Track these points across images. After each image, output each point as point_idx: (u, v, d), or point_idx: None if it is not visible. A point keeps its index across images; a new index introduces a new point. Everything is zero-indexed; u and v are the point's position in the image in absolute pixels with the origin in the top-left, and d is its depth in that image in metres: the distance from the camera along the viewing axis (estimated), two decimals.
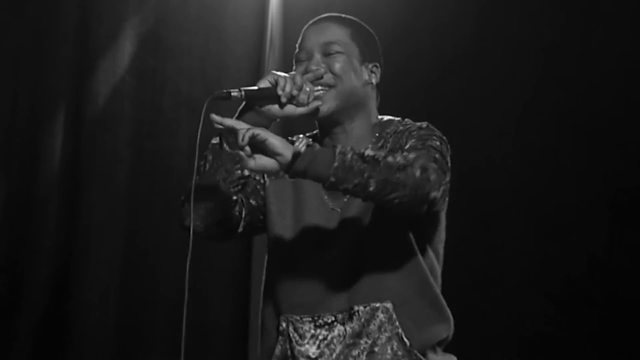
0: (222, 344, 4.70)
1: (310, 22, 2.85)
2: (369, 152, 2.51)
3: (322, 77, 2.73)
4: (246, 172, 2.79)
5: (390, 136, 2.77)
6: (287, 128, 3.16)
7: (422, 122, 2.79)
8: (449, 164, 2.67)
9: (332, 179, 2.49)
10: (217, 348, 4.69)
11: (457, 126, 4.56)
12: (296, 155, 2.48)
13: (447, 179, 2.61)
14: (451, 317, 2.78)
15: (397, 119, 2.84)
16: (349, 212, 2.73)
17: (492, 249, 4.45)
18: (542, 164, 4.49)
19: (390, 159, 2.51)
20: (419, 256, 2.73)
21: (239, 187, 2.80)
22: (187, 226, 2.83)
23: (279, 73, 2.68)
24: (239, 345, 4.70)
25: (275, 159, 2.50)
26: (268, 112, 2.68)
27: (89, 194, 4.58)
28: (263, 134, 2.49)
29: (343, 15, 2.87)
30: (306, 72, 2.74)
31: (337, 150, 2.50)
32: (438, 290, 2.77)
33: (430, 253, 2.77)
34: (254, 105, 2.69)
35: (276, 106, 2.67)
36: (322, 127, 2.82)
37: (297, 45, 2.82)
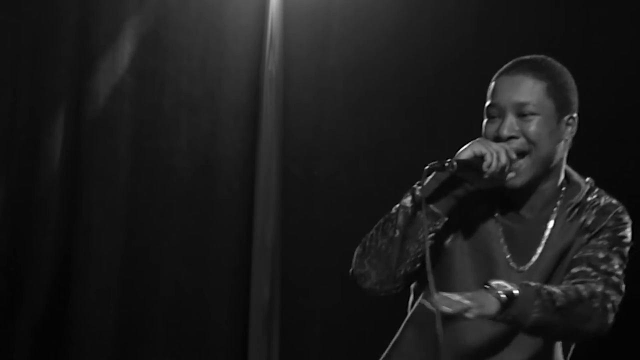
0: (222, 344, 4.69)
1: (502, 70, 2.69)
2: (561, 299, 2.50)
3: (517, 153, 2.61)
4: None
5: (580, 209, 2.69)
6: None
7: (617, 206, 2.74)
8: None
9: (528, 329, 2.50)
10: (217, 348, 4.69)
11: (457, 126, 4.56)
12: (502, 308, 2.45)
13: (622, 296, 2.66)
14: None
15: (584, 183, 2.75)
16: (534, 275, 2.67)
17: None
18: None
19: (579, 308, 2.53)
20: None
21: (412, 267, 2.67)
22: (364, 288, 2.67)
23: (485, 143, 2.58)
24: (239, 345, 4.69)
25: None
26: (468, 186, 2.61)
27: (89, 194, 4.58)
28: (469, 312, 2.41)
29: (539, 61, 2.71)
30: (498, 137, 2.62)
31: (535, 301, 2.47)
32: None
33: None
34: (458, 175, 2.59)
35: (475, 181, 2.59)
36: (512, 191, 2.68)
37: (488, 95, 2.68)
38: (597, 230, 2.66)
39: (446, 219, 2.62)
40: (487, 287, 2.43)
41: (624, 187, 4.42)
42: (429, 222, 2.59)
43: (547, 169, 2.65)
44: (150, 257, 4.65)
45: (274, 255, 4.68)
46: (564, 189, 2.70)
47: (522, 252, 2.67)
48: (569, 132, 2.69)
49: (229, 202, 4.72)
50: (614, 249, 2.64)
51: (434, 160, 2.57)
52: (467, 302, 2.38)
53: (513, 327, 2.54)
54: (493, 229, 2.69)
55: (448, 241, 2.70)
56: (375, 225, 2.68)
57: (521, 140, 2.61)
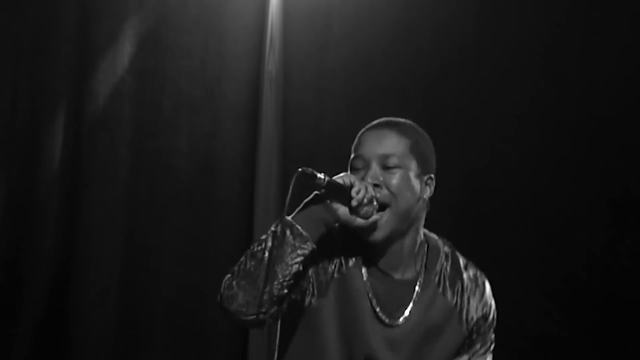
0: (222, 344, 4.70)
1: (369, 126, 2.76)
2: None
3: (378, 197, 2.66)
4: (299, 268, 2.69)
5: (444, 279, 2.76)
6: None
7: (484, 282, 2.87)
8: None
9: None
10: (217, 348, 4.69)
11: (456, 126, 4.56)
12: None
13: None
14: None
15: (440, 242, 2.81)
16: (405, 333, 2.73)
17: (492, 249, 4.44)
18: (542, 163, 4.48)
19: None
20: None
21: (293, 285, 2.70)
22: (230, 311, 2.66)
23: (358, 177, 2.65)
24: (239, 345, 4.69)
25: None
26: (334, 211, 2.63)
27: (89, 194, 4.58)
28: None
29: (402, 122, 2.78)
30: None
31: None
32: None
33: None
34: (326, 198, 2.64)
35: (342, 208, 2.62)
36: (374, 245, 2.72)
37: (353, 149, 2.75)
38: (472, 327, 2.78)
39: (314, 246, 2.64)
40: None
41: (624, 184, 4.43)
42: (297, 243, 2.62)
43: (405, 225, 2.70)
44: (150, 257, 4.65)
45: None
46: (425, 249, 2.77)
47: (391, 309, 2.71)
48: (427, 192, 2.74)
49: (229, 202, 4.72)
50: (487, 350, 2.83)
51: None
52: None
53: None
54: (360, 285, 2.72)
55: (314, 299, 2.73)
56: (245, 252, 2.72)
57: (384, 191, 2.66)
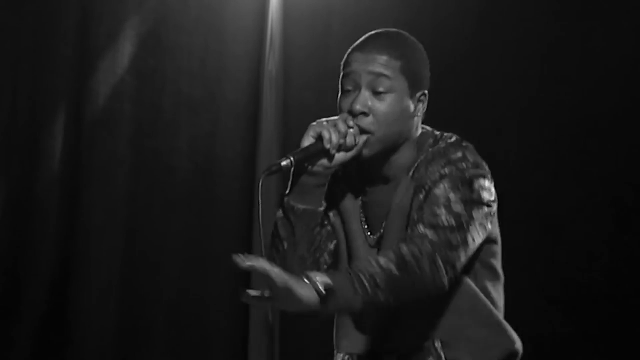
0: (222, 344, 4.70)
1: (358, 43, 2.69)
2: (381, 276, 2.41)
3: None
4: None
5: (419, 163, 2.65)
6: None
7: (457, 149, 2.67)
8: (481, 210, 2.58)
9: (360, 308, 2.44)
10: (217, 348, 4.69)
11: (456, 126, 4.55)
12: (322, 301, 2.41)
13: (462, 253, 2.51)
14: (514, 335, 2.70)
15: (430, 133, 2.73)
16: (385, 245, 2.64)
17: None
18: (543, 163, 4.48)
19: (404, 278, 2.42)
20: (467, 279, 2.64)
21: (324, 249, 2.71)
22: None
23: (319, 123, 2.62)
24: (239, 345, 4.69)
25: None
26: (321, 169, 2.60)
27: (89, 194, 4.58)
28: (280, 287, 2.37)
29: (393, 38, 2.71)
30: (351, 110, 2.64)
31: (355, 286, 2.40)
32: (495, 309, 2.68)
33: (481, 270, 2.66)
34: (305, 168, 2.60)
35: (324, 160, 2.59)
36: (365, 161, 2.68)
37: (342, 66, 2.72)
38: (434, 180, 2.59)
39: (321, 208, 2.64)
40: (306, 279, 2.40)
41: (625, 184, 4.43)
42: (307, 220, 2.61)
43: (396, 143, 2.64)
44: (150, 257, 4.65)
45: None
46: (416, 150, 2.68)
47: (375, 224, 2.66)
48: (420, 108, 2.71)
49: (229, 202, 4.72)
50: (454, 195, 2.56)
51: None
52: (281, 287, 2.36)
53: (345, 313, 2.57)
54: (353, 205, 2.71)
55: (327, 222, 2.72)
56: (267, 245, 2.71)
57: (369, 119, 2.61)
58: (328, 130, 2.59)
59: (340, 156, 2.60)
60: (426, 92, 2.74)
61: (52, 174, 4.54)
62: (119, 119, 4.63)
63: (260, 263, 2.34)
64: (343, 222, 2.72)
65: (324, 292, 2.39)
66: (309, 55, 4.75)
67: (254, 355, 4.67)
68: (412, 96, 2.68)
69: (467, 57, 4.55)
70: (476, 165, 2.67)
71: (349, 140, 2.60)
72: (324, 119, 2.65)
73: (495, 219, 2.67)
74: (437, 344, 2.62)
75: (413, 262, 2.44)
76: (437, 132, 2.74)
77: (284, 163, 2.55)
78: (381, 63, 2.64)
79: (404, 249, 2.45)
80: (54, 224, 4.53)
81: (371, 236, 2.68)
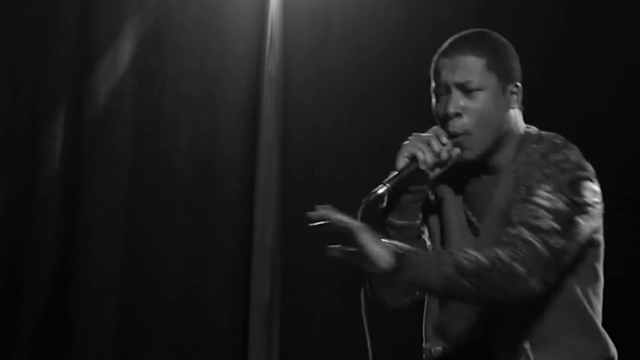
0: (222, 344, 4.70)
1: (441, 51, 2.70)
2: (469, 266, 2.37)
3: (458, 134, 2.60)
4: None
5: (525, 163, 2.61)
6: None
7: (560, 150, 2.62)
8: (571, 225, 2.50)
9: (437, 287, 2.41)
10: (217, 348, 4.69)
11: None
12: (396, 265, 2.36)
13: (561, 258, 2.47)
14: (609, 342, 2.66)
15: (534, 132, 2.70)
16: (482, 240, 2.61)
17: None
18: None
19: (490, 275, 2.38)
20: (569, 282, 2.60)
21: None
22: (387, 311, 2.70)
23: (413, 143, 2.59)
24: (239, 345, 4.69)
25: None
26: (418, 188, 2.61)
27: (89, 194, 4.58)
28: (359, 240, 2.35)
29: (476, 37, 2.69)
30: (445, 114, 2.61)
31: (440, 258, 2.39)
32: (594, 314, 2.64)
33: (584, 273, 2.62)
34: (405, 189, 2.60)
35: (422, 179, 2.59)
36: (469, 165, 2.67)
37: (431, 76, 2.69)
38: (537, 180, 2.55)
39: (419, 221, 2.65)
40: (387, 243, 2.38)
41: (624, 184, 4.43)
42: (405, 234, 2.61)
43: (498, 138, 2.63)
44: (150, 257, 4.65)
45: (274, 255, 4.68)
46: (522, 157, 2.65)
47: (476, 215, 2.65)
48: (515, 100, 2.70)
49: (229, 202, 4.72)
50: (556, 198, 2.52)
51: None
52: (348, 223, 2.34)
53: (416, 289, 2.56)
54: (452, 194, 2.70)
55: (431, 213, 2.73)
56: None
57: (464, 119, 2.60)
58: (422, 151, 2.57)
59: (436, 172, 2.60)
60: (519, 84, 2.73)
61: (52, 174, 4.54)
62: (119, 119, 4.63)
63: (335, 214, 2.34)
64: (440, 210, 2.70)
65: (401, 252, 2.35)
66: (309, 55, 4.75)
67: (254, 355, 4.67)
68: (504, 90, 2.67)
69: None
70: (579, 167, 2.63)
71: (444, 156, 2.58)
72: (416, 135, 2.62)
73: (601, 221, 2.63)
74: (527, 345, 2.58)
75: (508, 262, 2.40)
76: (543, 132, 2.72)
77: (380, 191, 2.53)
78: (467, 63, 2.63)
79: (501, 251, 2.42)
80: (54, 224, 4.53)
81: (475, 219, 2.65)
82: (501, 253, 2.41)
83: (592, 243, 2.61)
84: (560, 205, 2.51)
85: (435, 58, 2.70)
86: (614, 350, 2.68)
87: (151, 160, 4.67)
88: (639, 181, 4.39)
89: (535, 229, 2.45)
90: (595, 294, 2.65)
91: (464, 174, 2.69)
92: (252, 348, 4.67)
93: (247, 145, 4.73)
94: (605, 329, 2.69)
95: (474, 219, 2.66)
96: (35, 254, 4.52)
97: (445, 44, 2.70)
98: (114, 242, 4.61)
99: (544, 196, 2.51)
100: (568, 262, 2.51)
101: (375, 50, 4.69)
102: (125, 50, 4.64)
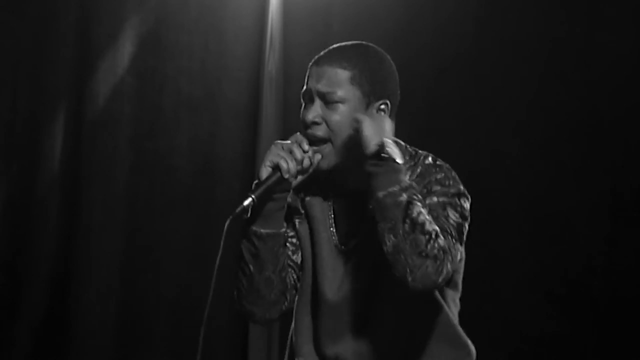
0: (222, 344, 4.69)
1: (316, 57, 2.75)
2: (416, 210, 2.48)
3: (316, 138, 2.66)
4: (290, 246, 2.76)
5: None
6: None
7: (437, 170, 2.70)
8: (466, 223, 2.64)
9: (379, 201, 2.49)
10: (217, 348, 4.69)
11: (456, 126, 4.56)
12: (377, 156, 2.51)
13: (459, 250, 2.60)
14: (470, 345, 2.75)
15: (403, 149, 2.74)
16: (360, 253, 2.68)
17: (492, 249, 4.44)
18: (543, 164, 4.48)
19: (425, 233, 2.48)
20: (436, 297, 2.70)
21: (290, 266, 2.77)
22: (257, 322, 2.84)
23: (275, 152, 2.63)
24: (239, 345, 4.69)
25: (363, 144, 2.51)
26: (281, 195, 2.66)
27: (89, 194, 4.59)
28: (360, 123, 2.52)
29: (347, 50, 2.73)
30: (304, 121, 2.67)
31: (399, 185, 2.50)
32: (456, 322, 2.74)
33: (448, 287, 2.72)
34: (268, 198, 2.65)
35: (284, 185, 2.64)
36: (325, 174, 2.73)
37: (305, 80, 2.74)
38: (426, 189, 2.64)
39: (283, 230, 2.70)
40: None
41: (624, 184, 4.43)
42: (271, 244, 2.67)
43: (355, 153, 2.63)
44: (150, 257, 4.65)
45: None
46: None
47: (346, 231, 2.69)
48: (382, 117, 2.70)
49: (229, 202, 4.72)
50: (447, 201, 2.63)
51: None
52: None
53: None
54: (322, 212, 2.74)
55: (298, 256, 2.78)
56: (235, 270, 2.78)
57: (323, 127, 2.65)
58: (285, 159, 2.61)
59: (298, 179, 2.67)
60: (388, 102, 2.74)
61: (52, 174, 4.54)
62: (119, 119, 4.63)
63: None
64: (311, 229, 2.75)
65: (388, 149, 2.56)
66: (309, 55, 4.74)
67: (254, 355, 4.67)
68: (368, 106, 2.69)
69: (467, 57, 4.55)
70: (457, 185, 2.70)
71: (306, 163, 2.63)
72: (278, 143, 2.65)
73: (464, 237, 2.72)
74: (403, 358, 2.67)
75: (443, 244, 2.51)
76: (411, 149, 2.76)
77: (246, 203, 2.61)
78: (332, 74, 2.66)
79: (442, 236, 2.53)
80: (54, 224, 4.54)
81: (341, 246, 2.71)
82: (441, 237, 2.51)
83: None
84: (453, 212, 2.63)
85: (310, 64, 2.75)
86: (474, 351, 2.77)
87: (151, 160, 4.67)
88: (639, 181, 4.39)
89: (441, 229, 2.56)
90: (455, 303, 2.77)
91: (332, 191, 2.74)
92: (252, 348, 4.67)
93: (247, 145, 4.73)
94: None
95: (334, 239, 2.71)
96: (36, 254, 4.52)
97: (322, 52, 2.74)
98: (113, 242, 4.61)
99: (437, 205, 2.62)
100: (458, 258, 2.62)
101: None
102: (125, 50, 4.64)
